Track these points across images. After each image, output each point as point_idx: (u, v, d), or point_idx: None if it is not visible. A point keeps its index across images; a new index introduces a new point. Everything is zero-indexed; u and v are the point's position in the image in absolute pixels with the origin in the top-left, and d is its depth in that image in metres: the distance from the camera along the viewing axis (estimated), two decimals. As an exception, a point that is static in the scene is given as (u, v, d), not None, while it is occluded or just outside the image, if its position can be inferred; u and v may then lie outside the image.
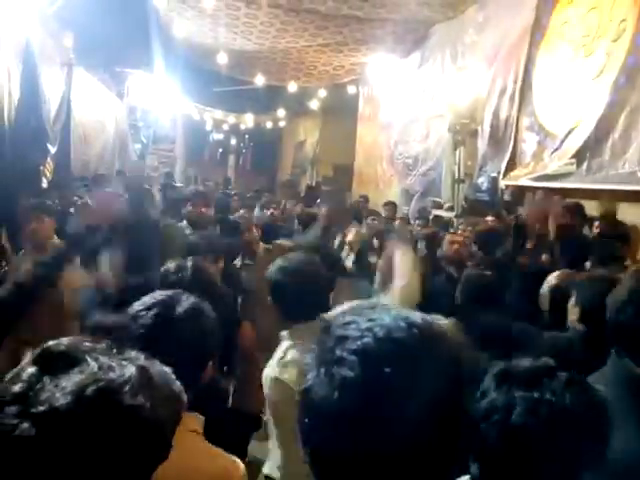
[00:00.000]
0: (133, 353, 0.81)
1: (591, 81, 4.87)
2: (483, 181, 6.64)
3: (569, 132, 5.09)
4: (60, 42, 6.52)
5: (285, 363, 1.94)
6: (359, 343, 0.68)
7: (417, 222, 6.60)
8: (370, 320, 0.71)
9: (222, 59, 8.42)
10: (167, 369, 0.83)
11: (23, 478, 0.69)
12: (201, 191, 4.87)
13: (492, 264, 3.75)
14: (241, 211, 5.83)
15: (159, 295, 1.44)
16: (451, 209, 6.82)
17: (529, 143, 5.87)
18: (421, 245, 5.06)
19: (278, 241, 4.16)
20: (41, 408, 0.69)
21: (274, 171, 17.91)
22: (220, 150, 20.28)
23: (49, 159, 6.14)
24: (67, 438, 0.69)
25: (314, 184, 13.49)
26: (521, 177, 5.82)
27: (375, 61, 9.12)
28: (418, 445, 0.66)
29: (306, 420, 0.71)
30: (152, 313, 1.36)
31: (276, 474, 2.04)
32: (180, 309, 1.39)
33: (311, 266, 2.10)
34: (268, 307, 2.31)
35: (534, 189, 5.80)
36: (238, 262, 3.91)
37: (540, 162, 5.53)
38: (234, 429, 2.30)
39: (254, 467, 2.37)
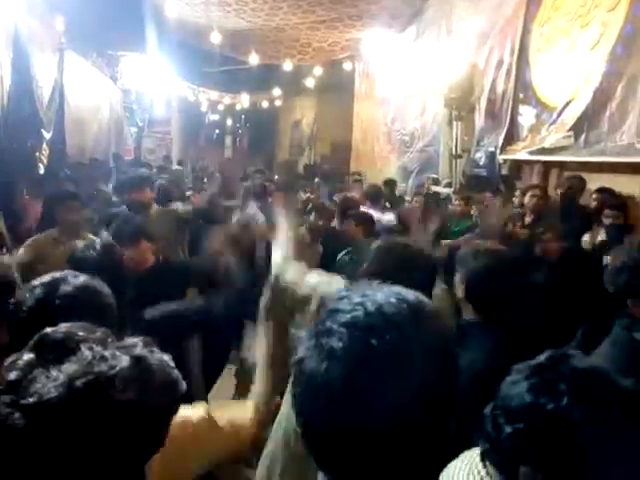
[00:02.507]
0: (131, 341, 0.82)
1: (588, 52, 4.82)
2: (481, 156, 6.61)
3: (566, 104, 5.06)
4: (51, 26, 6.43)
5: None
6: (349, 316, 0.69)
7: (415, 199, 6.59)
8: (363, 295, 0.72)
9: (215, 38, 8.31)
10: (166, 357, 0.84)
11: (13, 468, 0.71)
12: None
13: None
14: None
15: (47, 276, 1.39)
16: (449, 185, 6.80)
17: (526, 116, 5.83)
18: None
19: None
20: (31, 400, 0.70)
21: (272, 151, 17.81)
22: (217, 131, 20.14)
23: (44, 145, 6.11)
24: (56, 430, 0.69)
25: (312, 163, 13.44)
26: (519, 151, 5.80)
27: (370, 37, 9.00)
28: (403, 420, 0.66)
29: (298, 391, 0.72)
30: (35, 295, 1.32)
31: None
32: (67, 288, 1.34)
33: None
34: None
35: (532, 163, 5.80)
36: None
37: (537, 135, 5.50)
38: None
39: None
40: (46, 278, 1.36)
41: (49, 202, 3.73)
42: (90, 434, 0.71)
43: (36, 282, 1.35)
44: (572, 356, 1.04)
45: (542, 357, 1.07)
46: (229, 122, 19.19)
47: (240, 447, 1.41)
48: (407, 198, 7.06)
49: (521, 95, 5.87)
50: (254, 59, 9.49)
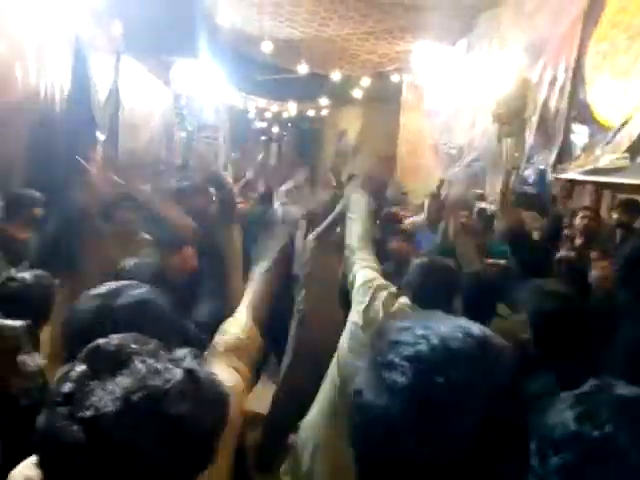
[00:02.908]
0: (181, 353, 0.82)
1: (648, 71, 4.67)
2: (530, 174, 6.47)
3: (623, 124, 4.90)
4: (109, 31, 6.63)
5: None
6: (412, 349, 0.67)
7: (461, 213, 6.47)
8: (426, 327, 0.70)
9: (267, 47, 8.42)
10: (215, 370, 0.83)
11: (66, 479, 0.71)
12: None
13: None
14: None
15: (106, 286, 1.36)
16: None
17: (580, 135, 5.67)
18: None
19: None
20: (88, 413, 0.70)
21: (315, 160, 17.90)
22: (263, 138, 20.39)
23: (99, 147, 6.27)
24: (111, 444, 0.70)
25: (355, 174, 13.42)
26: (571, 170, 5.64)
27: (420, 49, 8.95)
28: (464, 460, 0.64)
29: (355, 422, 0.71)
30: (95, 304, 1.29)
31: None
32: (125, 299, 1.30)
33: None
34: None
35: (584, 183, 5.62)
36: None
37: (591, 155, 5.34)
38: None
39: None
40: (103, 288, 1.35)
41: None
42: (144, 449, 0.71)
43: (94, 291, 1.34)
44: (616, 384, 1.03)
45: (586, 386, 1.06)
46: (275, 130, 19.40)
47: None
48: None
49: (575, 113, 5.72)
50: (303, 69, 9.57)
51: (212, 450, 0.80)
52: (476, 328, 0.71)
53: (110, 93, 6.73)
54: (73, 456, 0.70)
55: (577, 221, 4.69)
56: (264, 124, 18.82)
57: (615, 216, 4.66)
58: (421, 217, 5.40)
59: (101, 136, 6.31)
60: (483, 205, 6.89)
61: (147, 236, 3.53)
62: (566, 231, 4.94)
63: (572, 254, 4.20)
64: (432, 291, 2.04)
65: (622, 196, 4.85)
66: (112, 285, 1.36)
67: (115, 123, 7.00)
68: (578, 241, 4.40)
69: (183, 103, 12.23)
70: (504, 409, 0.67)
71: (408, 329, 0.70)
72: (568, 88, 5.83)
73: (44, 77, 4.98)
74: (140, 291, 1.35)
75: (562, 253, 4.20)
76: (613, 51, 5.14)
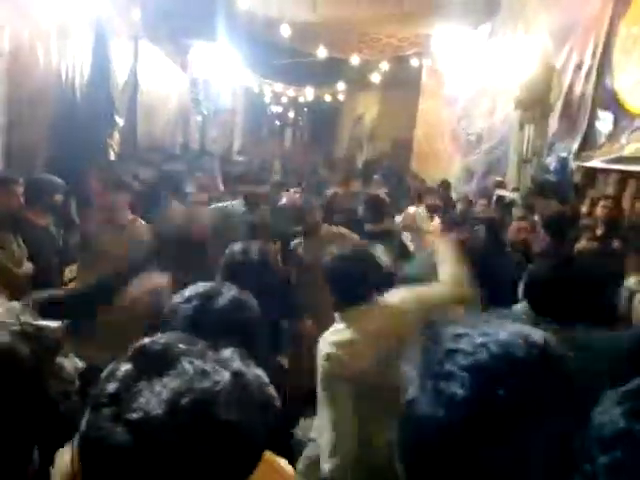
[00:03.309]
0: (228, 354, 0.79)
1: (679, 56, 4.54)
2: (552, 161, 6.36)
3: (651, 111, 4.79)
4: (128, 16, 6.59)
5: (340, 343, 1.99)
6: (472, 359, 0.63)
7: (480, 202, 6.41)
8: (484, 334, 0.66)
9: (285, 31, 8.32)
10: (260, 372, 0.81)
11: None
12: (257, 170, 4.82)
13: (560, 253, 3.60)
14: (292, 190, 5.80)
15: (201, 287, 1.39)
16: (516, 190, 6.57)
17: (605, 122, 5.55)
18: (479, 229, 4.90)
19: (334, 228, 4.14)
20: (135, 415, 0.68)
21: (331, 145, 17.80)
22: (278, 123, 20.31)
23: (116, 131, 6.28)
24: (159, 448, 0.67)
25: (370, 159, 13.33)
26: (594, 158, 5.53)
27: (441, 33, 8.81)
28: (522, 471, 0.62)
29: (406, 435, 0.67)
30: (192, 305, 1.33)
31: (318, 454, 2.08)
32: (221, 301, 1.34)
33: (364, 253, 2.16)
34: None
35: (608, 171, 5.52)
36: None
37: (616, 143, 5.23)
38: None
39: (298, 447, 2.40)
40: (199, 289, 1.37)
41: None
42: (190, 454, 0.68)
43: (189, 293, 1.36)
44: None
45: (633, 382, 1.02)
46: (291, 114, 19.31)
47: None
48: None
49: (600, 100, 5.59)
50: (322, 52, 9.45)
51: (259, 455, 0.78)
52: (537, 334, 0.67)
53: (129, 77, 6.72)
54: (117, 459, 0.67)
55: (598, 210, 4.61)
56: (280, 108, 18.73)
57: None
58: None
59: (120, 120, 6.32)
60: (502, 193, 6.82)
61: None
62: (585, 220, 4.86)
63: (594, 244, 4.13)
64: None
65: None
66: (208, 285, 1.39)
67: (133, 107, 7.00)
68: (599, 231, 4.33)
69: (200, 87, 12.18)
70: (566, 419, 0.64)
71: (465, 336, 0.66)
72: (594, 73, 5.69)
73: (65, 60, 4.97)
74: (234, 294, 1.38)
75: (583, 243, 4.13)
76: (643, 35, 5.01)
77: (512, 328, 0.68)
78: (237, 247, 2.08)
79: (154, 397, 0.69)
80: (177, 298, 1.37)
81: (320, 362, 2.00)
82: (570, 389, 0.65)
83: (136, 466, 0.67)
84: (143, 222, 3.54)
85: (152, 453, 0.67)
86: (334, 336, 2.04)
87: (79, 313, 1.85)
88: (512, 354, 0.63)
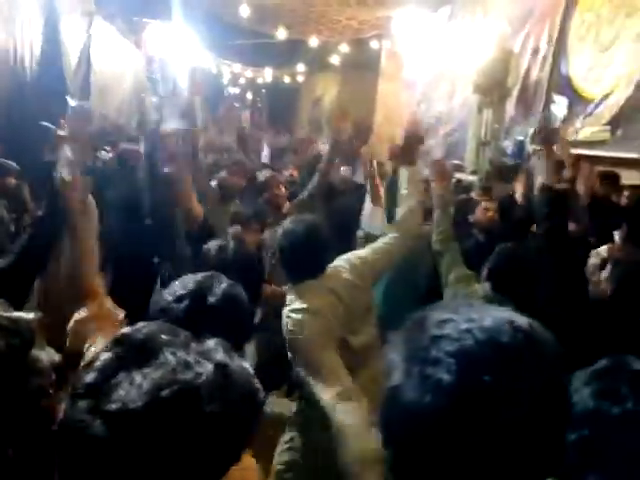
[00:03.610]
0: (212, 344, 0.78)
1: (632, 43, 4.67)
2: (509, 144, 6.48)
3: (604, 97, 4.93)
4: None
5: (295, 310, 2.02)
6: (458, 345, 0.64)
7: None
8: (469, 320, 0.66)
9: (244, 11, 8.16)
10: (245, 364, 0.80)
11: (88, 476, 0.68)
12: (240, 160, 4.72)
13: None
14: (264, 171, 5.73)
15: (190, 283, 1.36)
16: (474, 173, 6.69)
17: (560, 107, 5.68)
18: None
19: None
20: (113, 407, 0.66)
21: (290, 128, 17.65)
22: (236, 105, 19.98)
23: (69, 112, 6.07)
24: (137, 441, 0.66)
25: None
26: (550, 142, 5.67)
27: (401, 15, 8.80)
28: (510, 460, 0.63)
29: (389, 420, 0.68)
30: (184, 305, 1.30)
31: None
32: (212, 298, 1.33)
33: (311, 228, 2.14)
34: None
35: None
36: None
37: (571, 127, 5.37)
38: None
39: (276, 421, 2.42)
40: (190, 285, 1.34)
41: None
42: (170, 447, 0.67)
43: (181, 290, 1.33)
44: (630, 361, 1.05)
45: (600, 363, 1.08)
46: (249, 96, 19.02)
47: None
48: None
49: (556, 85, 5.72)
50: (282, 34, 9.33)
51: (241, 447, 0.77)
52: (522, 320, 0.68)
53: (81, 56, 6.48)
54: (94, 451, 0.66)
55: (554, 193, 4.74)
56: (238, 90, 18.42)
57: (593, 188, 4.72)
58: None
59: (72, 101, 6.10)
60: (461, 176, 6.92)
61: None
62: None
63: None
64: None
65: (601, 168, 4.91)
66: (199, 279, 1.36)
67: (86, 86, 6.77)
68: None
69: (155, 67, 11.85)
70: (551, 404, 0.65)
71: (450, 322, 0.67)
72: (550, 59, 5.81)
73: (14, 38, 4.75)
74: (225, 287, 1.37)
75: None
76: (597, 22, 5.13)
77: (497, 313, 0.68)
78: (213, 244, 2.07)
79: (134, 389, 0.67)
80: (167, 296, 1.33)
81: (286, 334, 2.02)
82: (554, 372, 0.66)
83: (114, 459, 0.65)
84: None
85: (131, 446, 0.65)
86: (289, 307, 2.06)
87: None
88: (497, 339, 0.64)
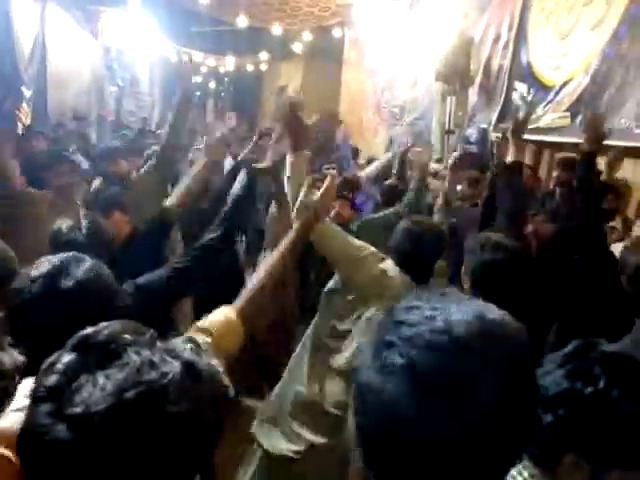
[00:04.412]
0: (178, 342, 0.75)
1: (589, 31, 4.76)
2: (472, 132, 6.56)
3: (564, 84, 5.01)
4: (31, -24, 6.11)
5: None
6: (413, 330, 0.65)
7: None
8: (435, 308, 0.67)
9: (203, -2, 8.01)
10: (214, 361, 0.78)
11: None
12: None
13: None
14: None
15: (47, 264, 1.29)
16: (439, 161, 6.74)
17: (521, 94, 5.78)
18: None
19: None
20: (77, 410, 0.64)
21: (254, 116, 17.47)
22: (197, 94, 19.66)
23: (24, 103, 5.85)
24: (102, 445, 0.63)
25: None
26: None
27: (363, 2, 8.77)
28: (461, 443, 0.63)
29: (355, 401, 0.69)
30: (37, 285, 1.23)
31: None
32: (69, 281, 1.25)
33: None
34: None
35: (525, 142, 5.75)
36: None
37: (532, 114, 5.45)
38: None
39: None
40: (46, 266, 1.27)
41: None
42: (137, 450, 0.65)
43: (36, 272, 1.26)
44: (600, 343, 1.10)
45: (570, 346, 1.12)
46: (212, 85, 18.75)
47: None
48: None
49: (517, 72, 5.80)
50: (242, 21, 9.19)
51: (211, 449, 0.75)
52: (492, 312, 0.68)
53: (35, 45, 6.26)
54: (58, 456, 0.63)
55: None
56: (199, 79, 18.12)
57: (555, 174, 4.82)
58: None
59: (27, 91, 5.89)
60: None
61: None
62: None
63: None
64: (421, 256, 2.11)
65: (562, 155, 5.01)
66: (55, 261, 1.29)
67: (42, 76, 6.54)
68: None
69: (113, 56, 11.56)
70: (508, 398, 0.65)
71: (416, 309, 0.68)
72: (511, 46, 5.89)
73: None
74: (86, 267, 1.30)
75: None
76: (556, 10, 5.21)
77: (468, 304, 0.68)
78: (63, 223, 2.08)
79: (97, 391, 0.65)
80: (22, 278, 1.27)
81: None
82: (517, 365, 0.66)
83: (78, 463, 0.63)
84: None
85: (95, 450, 0.63)
86: None
87: None
88: (454, 330, 0.64)
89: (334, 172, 5.52)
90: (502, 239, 2.05)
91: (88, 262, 1.32)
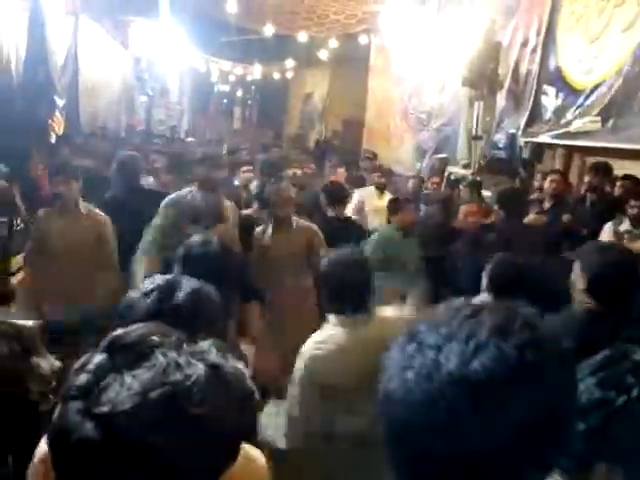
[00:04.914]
0: (205, 346, 0.76)
1: (620, 33, 4.67)
2: (501, 138, 6.49)
3: (594, 88, 4.93)
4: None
5: (327, 347, 2.01)
6: (419, 360, 0.66)
7: (432, 180, 6.50)
8: (446, 338, 0.66)
9: (231, 7, 8.11)
10: (240, 365, 0.78)
11: (82, 477, 0.67)
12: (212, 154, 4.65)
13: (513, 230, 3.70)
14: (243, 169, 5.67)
15: (159, 280, 1.35)
16: (467, 166, 6.69)
17: (551, 98, 5.69)
18: (433, 208, 4.97)
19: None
20: (104, 409, 0.65)
21: (281, 124, 17.61)
22: (225, 101, 19.91)
23: (57, 113, 6.00)
24: (127, 442, 0.65)
25: (323, 138, 13.28)
26: (541, 134, 5.68)
27: (389, 9, 8.77)
28: (493, 457, 0.63)
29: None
30: (151, 299, 1.28)
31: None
32: (180, 296, 1.30)
33: (358, 260, 2.15)
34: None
35: (554, 146, 5.67)
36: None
37: (562, 119, 5.38)
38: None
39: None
40: (158, 281, 1.32)
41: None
42: (160, 449, 0.65)
43: (149, 286, 1.31)
44: (632, 351, 1.07)
45: (602, 354, 1.09)
46: (239, 93, 18.98)
47: None
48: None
49: (546, 76, 5.73)
50: (269, 30, 9.28)
51: (235, 451, 0.75)
52: (511, 354, 0.65)
53: (68, 56, 6.42)
54: (86, 453, 0.65)
55: (546, 185, 4.75)
56: (227, 87, 18.36)
57: (586, 179, 4.73)
58: None
59: (60, 101, 6.04)
60: (454, 170, 6.93)
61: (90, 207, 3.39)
62: (536, 194, 5.01)
63: (543, 218, 4.27)
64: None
65: (592, 159, 4.92)
66: (167, 278, 1.34)
67: (74, 87, 6.70)
68: (547, 204, 4.47)
69: (143, 66, 11.80)
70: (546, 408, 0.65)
71: (431, 333, 0.68)
72: (539, 51, 5.82)
73: (-1, 39, 4.70)
74: (195, 286, 1.35)
75: (531, 217, 4.26)
76: (586, 13, 5.13)
77: (476, 339, 0.66)
78: (195, 239, 2.03)
79: (124, 390, 0.66)
80: (134, 292, 1.32)
81: (302, 361, 2.00)
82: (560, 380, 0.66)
83: (105, 460, 0.64)
84: (96, 209, 3.42)
85: (120, 448, 0.64)
86: (321, 338, 2.04)
87: None
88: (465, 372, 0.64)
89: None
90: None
91: (195, 281, 1.37)
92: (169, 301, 1.28)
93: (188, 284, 1.34)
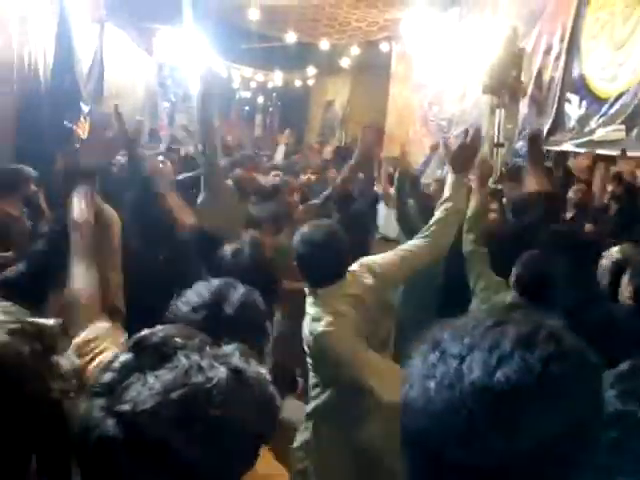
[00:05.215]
0: (229, 349, 0.77)
1: (646, 41, 4.62)
2: (522, 145, 6.43)
3: (619, 96, 4.87)
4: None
5: (322, 313, 2.02)
6: (442, 369, 0.65)
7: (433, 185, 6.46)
8: (469, 349, 0.65)
9: (253, 15, 8.19)
10: (262, 369, 0.79)
11: (103, 473, 0.69)
12: (249, 154, 4.69)
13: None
14: (272, 174, 5.73)
15: (206, 292, 1.34)
16: (488, 173, 6.63)
17: (574, 106, 5.64)
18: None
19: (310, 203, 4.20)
20: (125, 407, 0.67)
21: (302, 131, 17.66)
22: (246, 108, 20.06)
23: (82, 118, 6.11)
24: (148, 441, 0.66)
25: (344, 145, 13.28)
26: (564, 142, 5.62)
27: (410, 17, 8.77)
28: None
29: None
30: (201, 316, 1.27)
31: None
32: (229, 308, 1.30)
33: (331, 234, 2.11)
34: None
35: (578, 155, 5.61)
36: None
37: (586, 127, 5.32)
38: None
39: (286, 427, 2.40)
40: (204, 293, 1.32)
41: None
42: (179, 449, 0.67)
43: (194, 299, 1.31)
44: None
45: (622, 366, 1.08)
46: (260, 100, 19.09)
47: None
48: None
49: (570, 84, 5.67)
50: (291, 37, 9.35)
51: (254, 455, 0.76)
52: (536, 362, 0.63)
53: (94, 62, 6.54)
54: (107, 451, 0.67)
55: (570, 194, 4.69)
56: (248, 94, 18.49)
57: (610, 189, 4.66)
58: None
59: (85, 107, 6.15)
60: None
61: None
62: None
63: (565, 227, 4.22)
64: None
65: (616, 169, 4.85)
66: (212, 289, 1.34)
67: (100, 93, 6.82)
68: (570, 214, 4.42)
69: (166, 73, 11.95)
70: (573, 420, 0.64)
71: (454, 343, 0.67)
72: (563, 58, 5.77)
73: (28, 47, 4.80)
74: (242, 292, 1.35)
75: (555, 226, 4.21)
76: (611, 20, 5.08)
77: (500, 350, 0.64)
78: (228, 248, 2.02)
79: (146, 390, 0.68)
80: (182, 306, 1.31)
81: (314, 335, 2.01)
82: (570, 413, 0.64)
83: (126, 458, 0.66)
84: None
85: (141, 446, 0.66)
86: (315, 311, 2.06)
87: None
88: (480, 380, 0.63)
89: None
90: None
91: (241, 287, 1.37)
92: (219, 316, 1.28)
93: (235, 295, 1.33)
